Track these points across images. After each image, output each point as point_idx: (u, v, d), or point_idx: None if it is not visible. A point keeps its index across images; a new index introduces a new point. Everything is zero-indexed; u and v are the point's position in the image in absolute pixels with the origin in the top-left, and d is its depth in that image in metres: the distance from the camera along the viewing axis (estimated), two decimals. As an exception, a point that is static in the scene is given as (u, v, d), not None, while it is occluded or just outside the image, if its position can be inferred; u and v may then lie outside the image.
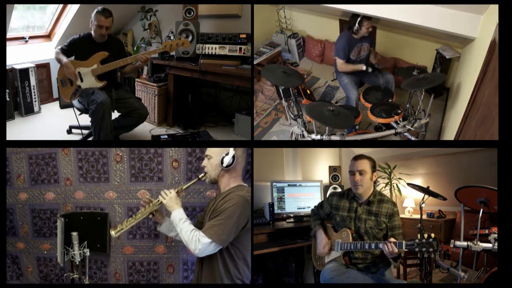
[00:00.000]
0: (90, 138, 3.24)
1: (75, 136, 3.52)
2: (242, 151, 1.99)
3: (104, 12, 3.03)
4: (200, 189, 2.44)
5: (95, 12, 3.05)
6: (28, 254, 2.65)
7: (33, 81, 3.95)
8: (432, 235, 1.86)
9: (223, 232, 1.78)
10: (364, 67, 3.32)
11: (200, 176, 1.98)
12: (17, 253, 2.67)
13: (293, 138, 3.24)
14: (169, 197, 1.90)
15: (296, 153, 3.72)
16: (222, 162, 1.89)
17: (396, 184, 3.75)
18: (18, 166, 2.57)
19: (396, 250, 1.89)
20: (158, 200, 1.96)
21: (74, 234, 2.24)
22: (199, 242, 1.75)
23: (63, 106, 4.23)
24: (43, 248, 2.62)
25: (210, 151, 1.94)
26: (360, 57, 3.43)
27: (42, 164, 2.55)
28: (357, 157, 2.17)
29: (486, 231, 2.33)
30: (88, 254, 2.27)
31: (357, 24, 3.19)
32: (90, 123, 3.09)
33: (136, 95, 3.94)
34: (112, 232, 1.99)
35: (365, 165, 2.13)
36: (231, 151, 1.90)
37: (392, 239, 1.95)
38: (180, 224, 1.83)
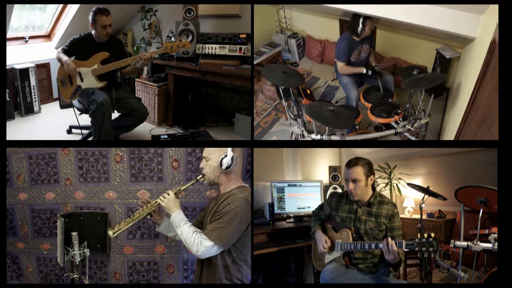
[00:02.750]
0: (90, 138, 3.24)
1: (75, 136, 3.52)
2: (240, 151, 1.97)
3: (104, 11, 3.04)
4: (200, 189, 2.44)
5: (92, 14, 3.04)
6: (28, 254, 2.65)
7: (33, 81, 3.95)
8: (432, 234, 1.86)
9: (225, 235, 1.78)
10: (364, 70, 3.32)
11: (198, 178, 1.96)
12: (17, 253, 2.66)
13: (293, 138, 3.24)
14: (168, 199, 1.88)
15: (296, 153, 3.71)
16: (221, 164, 1.87)
17: (396, 184, 3.75)
18: (18, 166, 2.56)
19: (395, 248, 1.89)
20: (156, 201, 1.94)
21: (74, 234, 2.23)
22: (201, 245, 1.76)
23: (63, 106, 4.23)
24: (43, 248, 2.63)
25: (207, 152, 1.92)
26: (361, 59, 3.42)
27: (42, 164, 2.55)
28: (350, 164, 2.12)
29: (486, 231, 2.33)
30: (88, 254, 2.26)
31: (360, 25, 3.18)
32: (90, 123, 3.09)
33: (136, 95, 3.93)
34: (110, 233, 1.99)
35: (358, 173, 2.08)
36: (229, 152, 1.87)
37: (390, 240, 1.95)
38: (181, 227, 1.83)
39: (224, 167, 1.87)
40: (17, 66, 3.85)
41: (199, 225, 2.04)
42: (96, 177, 2.52)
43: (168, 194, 1.90)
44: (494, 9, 2.26)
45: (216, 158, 1.88)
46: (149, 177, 2.48)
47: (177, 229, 1.85)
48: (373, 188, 2.19)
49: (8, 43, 3.68)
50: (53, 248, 2.57)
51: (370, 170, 2.13)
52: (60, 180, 2.55)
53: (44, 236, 2.61)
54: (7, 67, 3.62)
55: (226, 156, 1.86)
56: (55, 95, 4.34)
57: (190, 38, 3.59)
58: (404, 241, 1.90)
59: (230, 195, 1.88)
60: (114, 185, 2.51)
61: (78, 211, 2.49)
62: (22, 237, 2.64)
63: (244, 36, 3.55)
